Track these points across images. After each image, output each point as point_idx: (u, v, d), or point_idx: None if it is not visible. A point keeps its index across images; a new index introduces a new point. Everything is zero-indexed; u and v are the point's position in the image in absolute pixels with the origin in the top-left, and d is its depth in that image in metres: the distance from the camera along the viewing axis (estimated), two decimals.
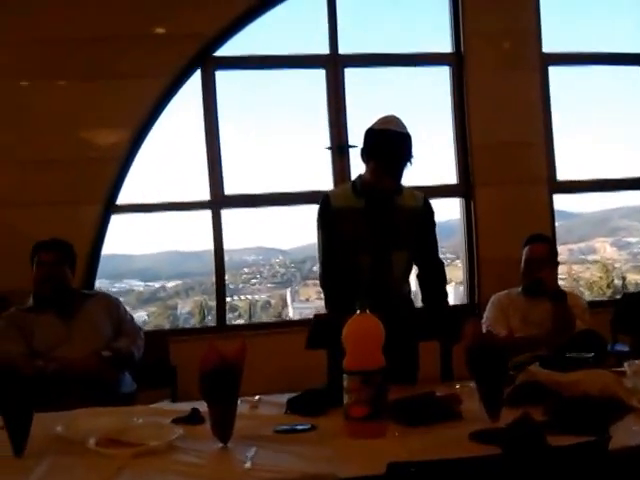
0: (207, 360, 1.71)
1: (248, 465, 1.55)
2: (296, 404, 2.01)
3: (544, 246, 3.41)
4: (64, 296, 2.96)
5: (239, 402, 1.81)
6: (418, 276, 2.81)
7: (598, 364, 2.15)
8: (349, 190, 2.72)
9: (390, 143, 2.54)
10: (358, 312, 1.82)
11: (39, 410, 1.76)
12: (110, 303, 3.11)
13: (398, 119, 2.61)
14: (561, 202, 4.67)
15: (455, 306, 4.41)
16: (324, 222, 2.67)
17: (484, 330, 3.29)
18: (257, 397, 2.17)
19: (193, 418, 1.92)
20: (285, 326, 4.77)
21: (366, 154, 2.61)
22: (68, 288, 2.99)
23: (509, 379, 1.96)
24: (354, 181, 2.76)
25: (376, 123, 2.61)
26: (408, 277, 2.79)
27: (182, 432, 1.76)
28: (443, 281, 2.78)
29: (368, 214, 2.62)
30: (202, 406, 1.84)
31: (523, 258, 3.39)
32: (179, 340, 4.06)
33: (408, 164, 2.57)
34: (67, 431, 1.81)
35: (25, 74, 4.14)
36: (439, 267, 2.78)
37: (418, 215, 2.70)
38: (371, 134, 2.60)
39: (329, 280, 2.67)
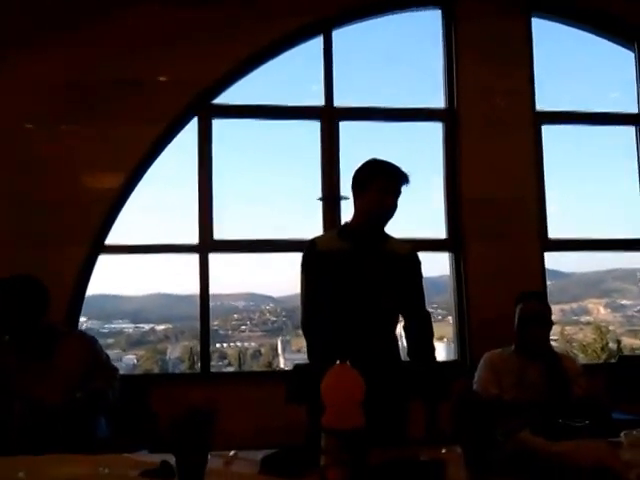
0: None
1: None
2: (271, 463, 1.93)
3: (539, 304, 3.36)
4: (34, 336, 2.87)
5: (213, 457, 1.73)
6: (404, 327, 2.77)
7: (595, 434, 2.04)
8: (335, 235, 2.75)
9: (392, 166, 2.63)
10: (338, 363, 1.75)
11: (3, 453, 1.69)
12: (85, 342, 3.02)
13: None
14: (553, 261, 4.65)
15: (443, 362, 4.32)
16: (309, 266, 2.66)
17: (474, 390, 3.22)
18: (232, 452, 2.09)
19: (162, 471, 1.84)
20: (273, 376, 4.67)
21: (365, 181, 2.64)
22: (37, 328, 2.88)
23: (498, 446, 1.87)
24: (340, 227, 2.80)
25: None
26: (395, 327, 2.74)
27: None
28: (429, 333, 2.74)
29: (354, 256, 2.61)
30: (174, 459, 1.76)
31: (517, 316, 3.32)
32: (162, 387, 3.97)
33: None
34: (29, 477, 1.73)
35: (28, 117, 4.20)
36: (425, 318, 2.75)
37: (405, 263, 2.70)
38: (370, 164, 2.68)
39: (311, 326, 2.63)
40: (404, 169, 2.65)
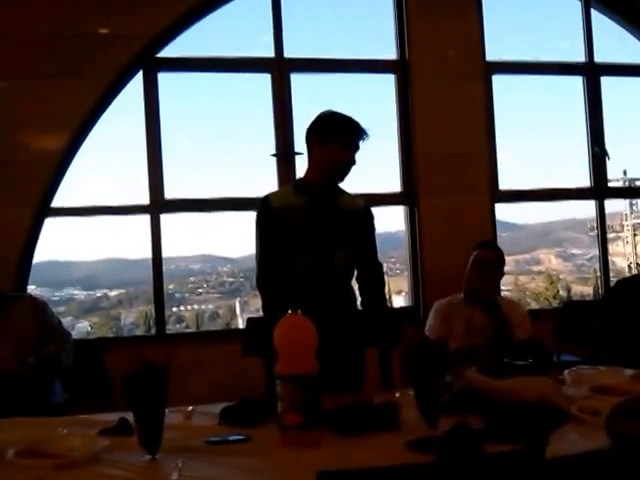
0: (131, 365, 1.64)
1: (175, 477, 1.47)
2: (230, 414, 1.94)
3: (490, 252, 3.44)
4: None
5: (172, 412, 1.73)
6: (357, 278, 2.78)
7: (538, 372, 2.12)
8: (290, 190, 2.73)
9: (353, 120, 2.59)
10: (289, 312, 1.75)
11: None
12: (36, 306, 2.98)
13: None
14: (506, 213, 4.74)
15: (394, 310, 4.40)
16: (263, 222, 2.63)
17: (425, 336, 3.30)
18: (190, 407, 2.09)
19: (121, 429, 1.83)
20: (229, 335, 4.68)
21: (327, 135, 2.58)
22: None
23: (447, 387, 1.92)
24: (295, 182, 2.78)
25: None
26: (350, 280, 2.77)
27: (108, 443, 1.68)
28: (381, 283, 2.77)
29: (309, 212, 2.61)
30: (132, 417, 1.74)
31: (469, 262, 3.41)
32: (116, 349, 3.92)
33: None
34: None
35: None
36: (377, 269, 2.77)
37: (358, 218, 2.71)
38: (331, 117, 2.62)
39: (266, 281, 2.61)
40: (363, 124, 2.62)
